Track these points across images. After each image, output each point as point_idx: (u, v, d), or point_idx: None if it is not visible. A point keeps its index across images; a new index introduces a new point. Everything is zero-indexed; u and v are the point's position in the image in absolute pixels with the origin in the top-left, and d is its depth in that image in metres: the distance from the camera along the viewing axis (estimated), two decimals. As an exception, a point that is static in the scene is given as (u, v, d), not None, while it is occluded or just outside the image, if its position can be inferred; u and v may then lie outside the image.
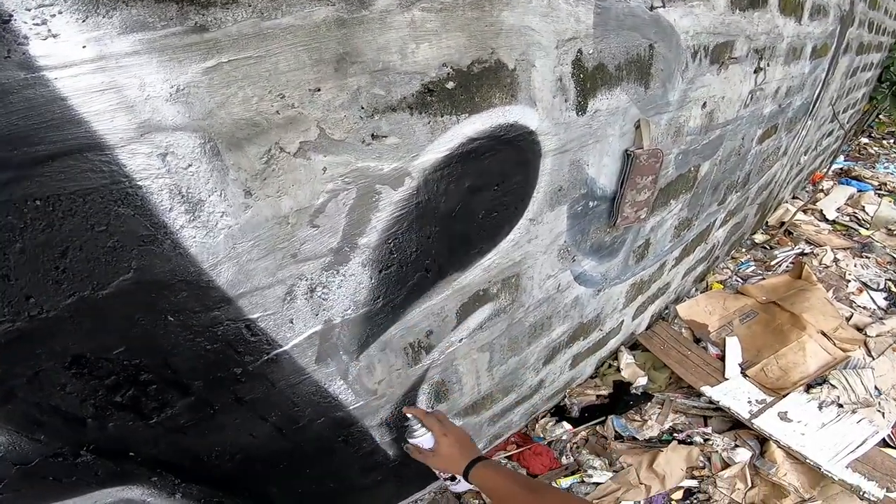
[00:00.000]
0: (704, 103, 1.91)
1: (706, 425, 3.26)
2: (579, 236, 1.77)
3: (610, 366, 3.75)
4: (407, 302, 1.32)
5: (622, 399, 3.55)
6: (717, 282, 4.19)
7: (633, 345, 3.80)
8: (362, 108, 0.92)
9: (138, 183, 0.75)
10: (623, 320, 3.19)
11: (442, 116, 1.03)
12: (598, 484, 3.12)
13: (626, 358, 3.70)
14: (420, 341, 1.50)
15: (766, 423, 2.96)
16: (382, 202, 1.05)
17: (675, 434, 3.25)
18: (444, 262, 1.31)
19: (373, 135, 0.96)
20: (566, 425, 3.50)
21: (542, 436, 3.51)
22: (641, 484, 3.03)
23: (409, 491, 2.98)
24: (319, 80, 0.85)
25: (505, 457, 3.41)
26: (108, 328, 0.87)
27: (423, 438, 1.31)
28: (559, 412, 3.62)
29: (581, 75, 1.26)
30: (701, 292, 4.14)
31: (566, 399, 3.61)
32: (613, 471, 3.18)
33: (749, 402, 3.10)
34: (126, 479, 1.29)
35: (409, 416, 1.32)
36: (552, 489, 1.17)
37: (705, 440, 3.15)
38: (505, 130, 1.16)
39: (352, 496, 2.39)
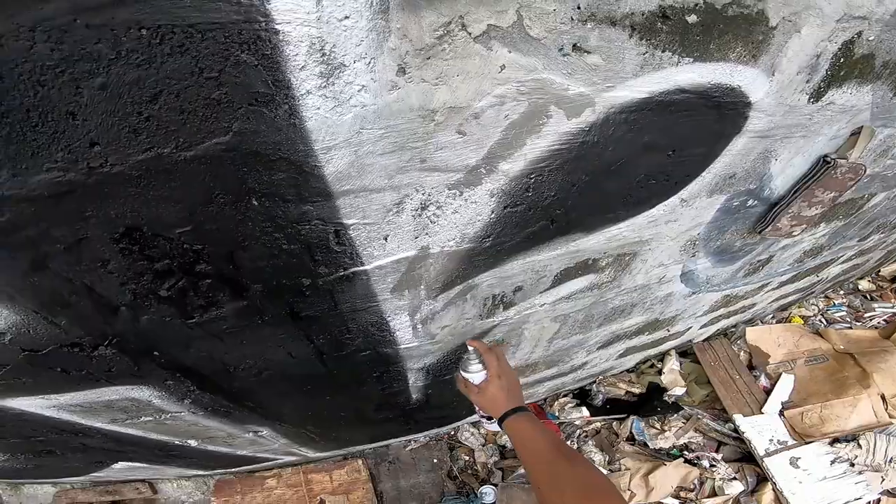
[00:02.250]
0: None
1: (718, 451, 3.24)
2: (715, 233, 1.55)
3: (652, 365, 3.65)
4: (515, 249, 1.15)
5: (650, 402, 3.49)
6: (800, 316, 3.96)
7: (684, 351, 3.66)
8: (579, 7, 0.70)
9: (277, 26, 0.58)
10: (692, 327, 3.03)
11: (663, 52, 0.80)
12: None
13: (673, 363, 3.59)
14: (504, 295, 1.34)
15: (775, 463, 3.00)
16: (547, 128, 0.85)
17: (685, 452, 3.24)
18: (573, 217, 1.13)
19: (575, 45, 0.74)
20: (584, 411, 3.49)
21: (556, 414, 3.51)
22: (628, 490, 3.06)
23: (409, 432, 3.11)
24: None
25: None
26: (178, 200, 0.72)
27: (476, 375, 1.23)
28: (581, 395, 3.60)
29: (842, 60, 0.99)
30: (777, 321, 3.93)
31: (594, 385, 3.56)
32: (610, 469, 3.21)
33: (771, 440, 3.13)
34: (139, 379, 1.23)
35: (470, 348, 1.21)
36: (584, 460, 1.08)
37: (710, 465, 3.16)
38: (721, 92, 0.93)
39: (356, 425, 2.43)
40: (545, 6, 0.68)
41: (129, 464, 2.37)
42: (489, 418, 1.29)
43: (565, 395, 3.60)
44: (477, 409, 1.31)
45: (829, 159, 1.31)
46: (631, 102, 0.87)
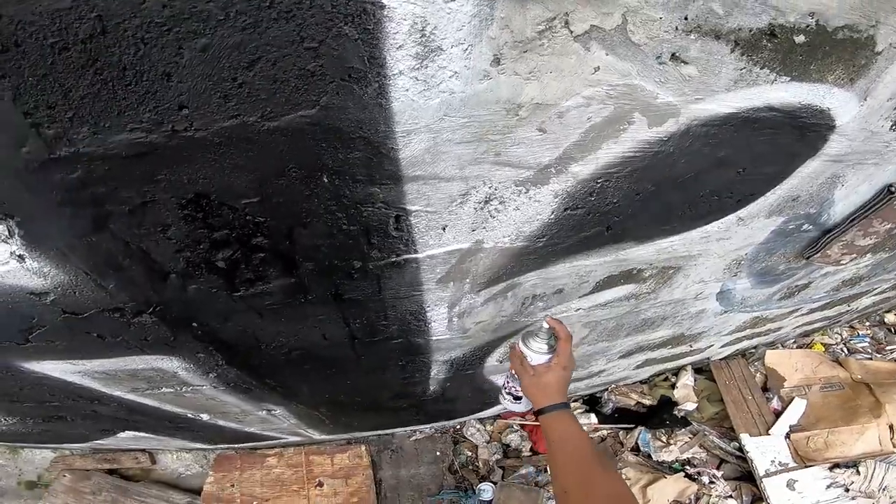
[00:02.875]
0: None
1: (719, 468, 3.30)
2: (763, 255, 1.54)
3: (666, 378, 3.68)
4: (566, 252, 1.15)
5: (660, 415, 3.53)
6: (822, 344, 3.95)
7: (698, 369, 3.70)
8: (686, 18, 0.68)
9: (384, 1, 0.57)
10: (713, 345, 3.05)
11: (762, 69, 0.78)
12: None
13: (688, 378, 3.63)
14: (544, 296, 1.34)
15: (772, 485, 3.08)
16: (626, 135, 0.84)
17: (687, 467, 3.29)
18: (629, 226, 1.12)
19: (674, 54, 0.73)
20: (593, 418, 3.53)
21: None
22: None
23: (417, 422, 3.17)
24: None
25: (519, 424, 3.53)
26: (252, 170, 0.72)
27: (539, 356, 1.15)
28: (591, 402, 3.64)
29: None
30: (799, 346, 3.94)
31: (605, 393, 3.59)
32: None
33: (772, 461, 3.20)
34: (172, 349, 1.26)
35: (545, 325, 1.15)
36: (616, 472, 1.07)
37: (710, 482, 3.23)
38: (809, 114, 0.91)
39: (369, 412, 2.47)
40: (652, 13, 0.67)
41: (136, 433, 2.43)
42: (517, 399, 1.24)
43: (575, 401, 3.63)
44: (507, 389, 1.27)
45: (893, 189, 1.29)
46: (716, 116, 0.85)
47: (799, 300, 2.37)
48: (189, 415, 2.04)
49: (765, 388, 3.60)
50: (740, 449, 3.26)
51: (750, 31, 0.72)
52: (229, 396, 1.74)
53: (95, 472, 3.27)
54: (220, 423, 2.25)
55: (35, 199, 0.74)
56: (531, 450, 3.44)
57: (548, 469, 3.16)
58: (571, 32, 0.66)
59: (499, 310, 1.32)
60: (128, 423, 2.22)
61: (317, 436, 2.96)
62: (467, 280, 1.12)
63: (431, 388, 2.03)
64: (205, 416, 2.15)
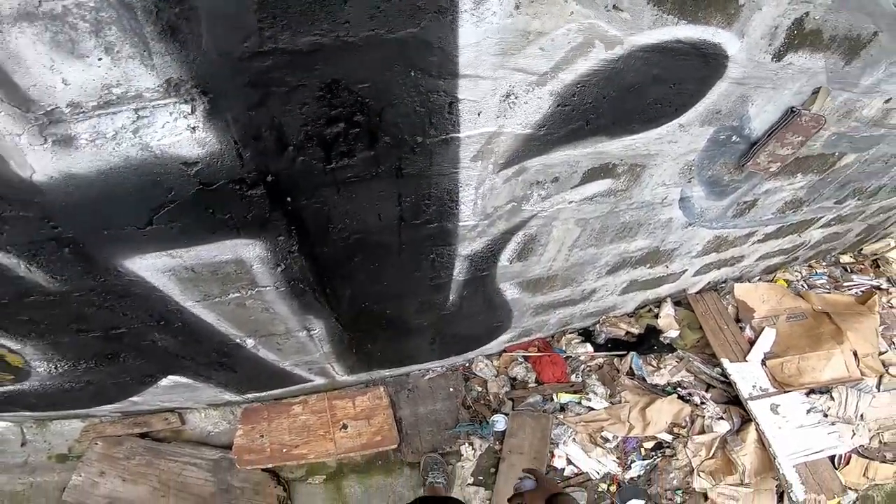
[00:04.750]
0: (889, 99, 2.20)
1: (707, 391, 3.87)
2: (706, 162, 2.16)
3: (650, 310, 4.32)
4: (559, 142, 1.75)
5: (648, 342, 4.15)
6: (784, 280, 4.64)
7: (678, 301, 4.35)
8: None
9: None
10: (687, 269, 3.65)
11: (668, 14, 1.39)
12: (592, 409, 3.82)
13: (668, 309, 4.26)
14: (544, 182, 1.95)
15: (758, 407, 3.60)
16: (592, 54, 1.45)
17: (679, 389, 3.87)
18: (602, 123, 1.73)
19: (615, 6, 1.34)
20: (588, 347, 4.15)
21: (563, 348, 4.17)
22: (627, 422, 3.68)
23: (431, 356, 3.72)
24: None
25: (523, 356, 4.08)
26: (371, 65, 1.30)
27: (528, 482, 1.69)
28: (586, 334, 4.26)
29: (795, 31, 1.58)
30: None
31: (597, 326, 4.21)
32: (611, 402, 3.83)
33: (754, 386, 3.75)
34: (261, 231, 1.74)
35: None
36: None
37: (701, 403, 3.76)
38: (706, 46, 1.53)
39: (392, 337, 3.04)
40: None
41: (176, 378, 2.84)
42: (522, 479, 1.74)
43: (571, 333, 4.25)
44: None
45: (794, 109, 1.92)
46: (646, 45, 1.46)
47: (751, 220, 2.99)
48: (237, 340, 2.47)
49: (737, 320, 4.23)
50: (723, 374, 3.82)
51: (657, -10, 1.34)
52: (283, 304, 2.22)
53: (127, 438, 3.54)
54: (260, 353, 2.70)
55: (232, 80, 1.19)
56: (536, 380, 3.98)
57: (554, 397, 3.88)
58: (556, -9, 1.28)
59: (511, 194, 1.92)
60: (174, 364, 2.65)
61: (340, 376, 3.45)
62: (491, 159, 1.71)
63: (452, 297, 2.60)
64: (250, 342, 2.55)
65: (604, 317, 4.18)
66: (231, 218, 1.62)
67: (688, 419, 3.72)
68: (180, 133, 1.28)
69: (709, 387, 3.90)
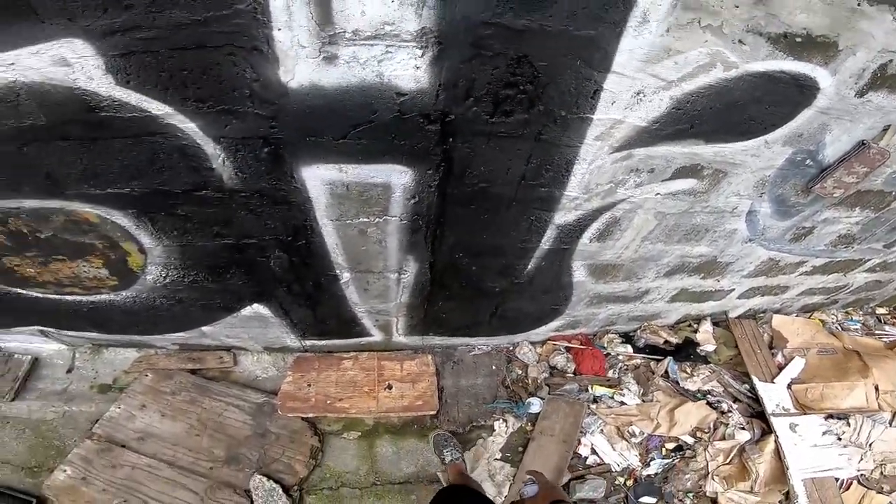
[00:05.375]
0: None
1: (734, 403, 4.21)
2: (779, 180, 2.55)
3: (690, 325, 4.68)
4: (665, 137, 2.15)
5: (685, 352, 4.50)
6: (820, 319, 5.01)
7: (716, 322, 4.70)
8: (750, 20, 1.70)
9: None
10: (734, 289, 4.01)
11: (779, 51, 1.80)
12: (624, 404, 4.19)
13: (707, 326, 4.62)
14: (642, 171, 2.36)
15: (778, 423, 3.97)
16: (713, 72, 1.86)
17: (709, 396, 4.21)
18: (703, 128, 2.12)
19: (739, 40, 1.74)
20: (629, 347, 4.52)
21: (605, 346, 4.54)
22: (655, 420, 4.02)
23: (485, 331, 4.07)
24: None
25: (565, 347, 4.43)
26: (554, 50, 1.70)
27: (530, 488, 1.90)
28: (626, 339, 4.62)
29: (879, 74, 1.93)
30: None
31: (638, 331, 4.57)
32: (643, 399, 4.18)
33: (777, 405, 4.11)
34: (416, 160, 2.02)
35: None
36: None
37: (727, 412, 4.09)
38: (804, 78, 1.94)
39: (462, 301, 3.38)
40: (740, 14, 1.70)
41: (258, 308, 3.03)
42: (527, 483, 1.93)
43: (613, 333, 4.62)
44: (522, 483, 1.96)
45: (864, 142, 2.32)
46: (756, 72, 1.86)
47: (804, 249, 3.36)
48: (338, 271, 2.72)
49: (770, 346, 4.56)
50: (751, 391, 4.19)
51: (774, 34, 1.75)
52: (395, 238, 2.49)
53: (178, 372, 3.62)
54: (348, 290, 2.95)
55: (461, 38, 1.54)
56: (574, 371, 4.29)
57: (589, 389, 4.15)
58: (700, 24, 1.68)
59: (613, 175, 2.32)
60: (267, 291, 2.86)
61: (396, 335, 3.75)
62: (609, 142, 2.10)
63: (530, 265, 2.95)
64: (346, 276, 2.76)
65: (646, 323, 4.53)
66: (405, 144, 1.91)
67: (711, 425, 4.05)
68: (406, 70, 1.61)
69: (735, 399, 4.23)
